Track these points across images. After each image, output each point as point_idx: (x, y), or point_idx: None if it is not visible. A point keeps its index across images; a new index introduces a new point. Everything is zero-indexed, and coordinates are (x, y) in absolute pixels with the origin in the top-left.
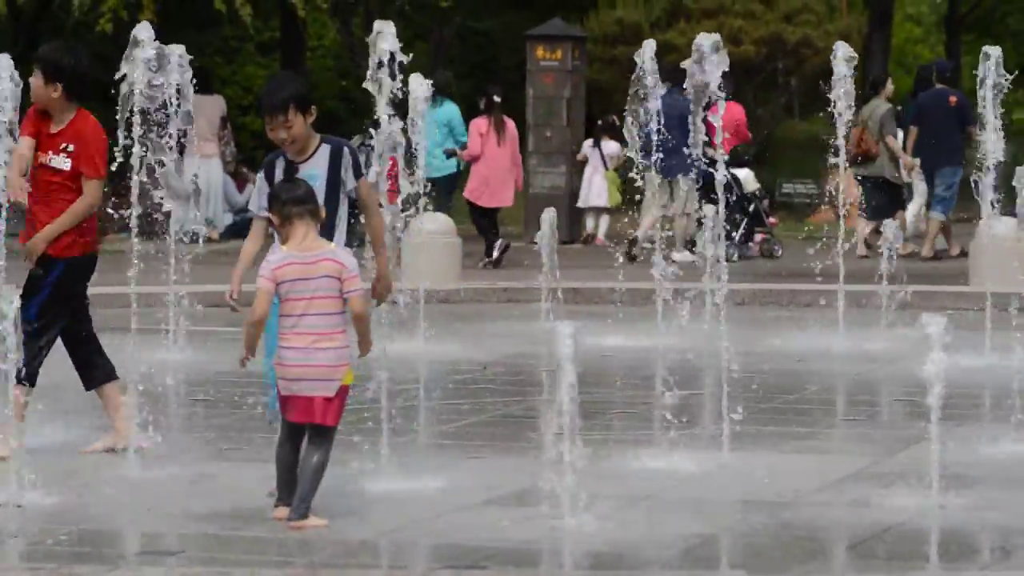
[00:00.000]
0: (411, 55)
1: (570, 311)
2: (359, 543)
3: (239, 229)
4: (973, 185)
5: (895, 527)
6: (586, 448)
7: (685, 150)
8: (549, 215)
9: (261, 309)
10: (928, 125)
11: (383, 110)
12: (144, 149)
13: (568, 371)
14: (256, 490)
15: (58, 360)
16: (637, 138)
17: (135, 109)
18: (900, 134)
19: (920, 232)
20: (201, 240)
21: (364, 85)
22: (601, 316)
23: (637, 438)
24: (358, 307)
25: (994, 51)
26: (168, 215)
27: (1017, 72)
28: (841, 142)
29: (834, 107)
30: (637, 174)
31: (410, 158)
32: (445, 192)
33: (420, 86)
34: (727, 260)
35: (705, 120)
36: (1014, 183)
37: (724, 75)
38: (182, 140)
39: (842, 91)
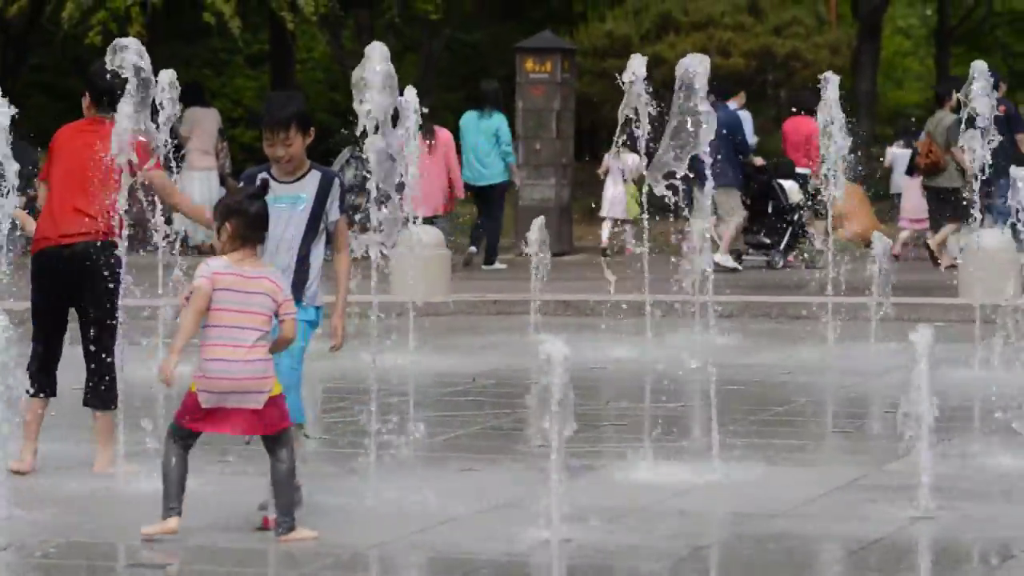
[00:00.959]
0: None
1: (561, 323)
2: (349, 555)
3: None
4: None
5: (885, 539)
6: (576, 460)
7: (730, 161)
8: (538, 224)
9: (199, 306)
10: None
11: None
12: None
13: (557, 384)
14: (245, 503)
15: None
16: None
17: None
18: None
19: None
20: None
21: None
22: (592, 328)
23: (626, 450)
24: (290, 333)
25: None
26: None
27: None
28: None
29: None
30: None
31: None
32: (498, 200)
33: (413, 98)
34: (770, 267)
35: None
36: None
37: (802, 90)
38: (175, 158)
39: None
